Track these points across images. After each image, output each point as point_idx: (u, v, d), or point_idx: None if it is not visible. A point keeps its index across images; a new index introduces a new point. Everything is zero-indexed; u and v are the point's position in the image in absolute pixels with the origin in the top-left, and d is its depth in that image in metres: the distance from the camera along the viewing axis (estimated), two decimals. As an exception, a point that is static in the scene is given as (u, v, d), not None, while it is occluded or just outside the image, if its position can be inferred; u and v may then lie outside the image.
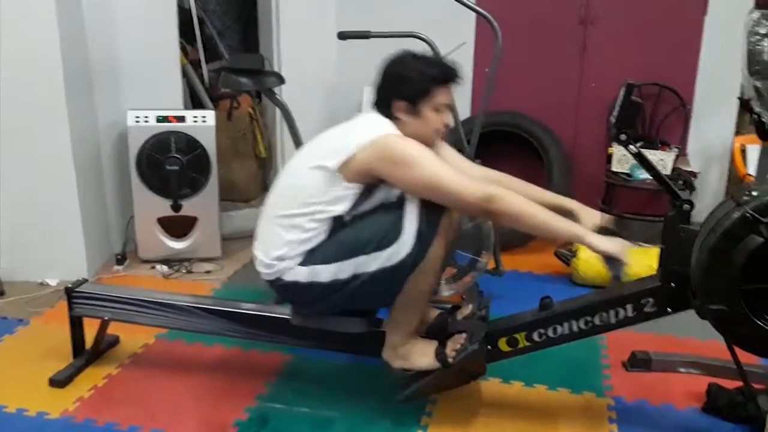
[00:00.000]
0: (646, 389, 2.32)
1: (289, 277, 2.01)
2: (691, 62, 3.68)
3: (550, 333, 2.01)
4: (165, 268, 3.38)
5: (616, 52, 3.75)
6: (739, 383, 2.16)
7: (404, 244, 1.90)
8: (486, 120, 3.03)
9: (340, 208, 1.96)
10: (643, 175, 3.40)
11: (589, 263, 3.18)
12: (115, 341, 2.60)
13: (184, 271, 3.38)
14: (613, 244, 1.89)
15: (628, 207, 3.70)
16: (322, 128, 4.14)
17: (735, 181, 3.74)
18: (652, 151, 3.45)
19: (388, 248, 1.91)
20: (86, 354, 2.45)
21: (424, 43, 2.75)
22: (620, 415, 2.18)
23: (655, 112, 3.74)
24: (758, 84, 2.88)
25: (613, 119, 1.93)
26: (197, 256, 3.47)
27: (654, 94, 3.71)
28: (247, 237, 3.78)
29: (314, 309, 2.11)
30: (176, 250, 3.44)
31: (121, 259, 3.40)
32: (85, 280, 2.47)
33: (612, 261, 1.88)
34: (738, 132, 3.72)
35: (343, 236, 1.97)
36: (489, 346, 2.04)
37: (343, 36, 2.78)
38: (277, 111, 3.91)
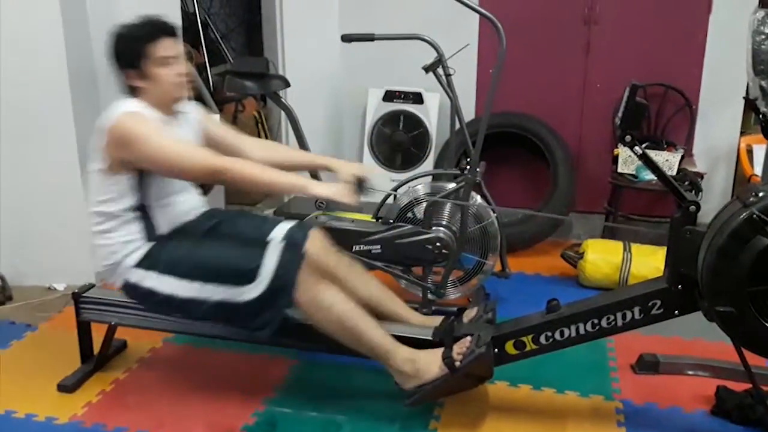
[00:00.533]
0: (655, 392, 2.32)
1: (132, 280, 2.11)
2: (696, 62, 3.67)
3: (557, 336, 2.00)
4: (171, 272, 3.38)
5: (620, 52, 3.74)
6: (747, 385, 2.16)
7: (256, 288, 1.99)
8: (491, 122, 3.02)
9: (127, 202, 2.06)
10: (649, 176, 3.39)
11: (596, 265, 3.18)
12: (123, 346, 2.61)
13: (190, 274, 3.38)
14: (333, 189, 2.01)
15: (635, 208, 3.70)
16: (327, 131, 4.19)
17: (741, 181, 3.73)
18: (657, 152, 3.44)
19: (240, 286, 2.00)
20: (94, 359, 2.46)
21: (429, 45, 2.74)
22: (629, 418, 2.17)
23: (661, 112, 3.73)
24: (763, 83, 2.87)
25: (617, 120, 1.93)
26: (203, 259, 3.47)
27: (659, 95, 3.70)
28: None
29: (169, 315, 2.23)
30: (182, 254, 3.44)
31: (127, 264, 3.40)
32: (92, 285, 2.47)
33: (334, 203, 2.04)
34: (744, 132, 3.70)
35: (199, 252, 2.06)
36: (496, 350, 2.04)
37: (346, 39, 2.78)
38: (282, 114, 3.93)
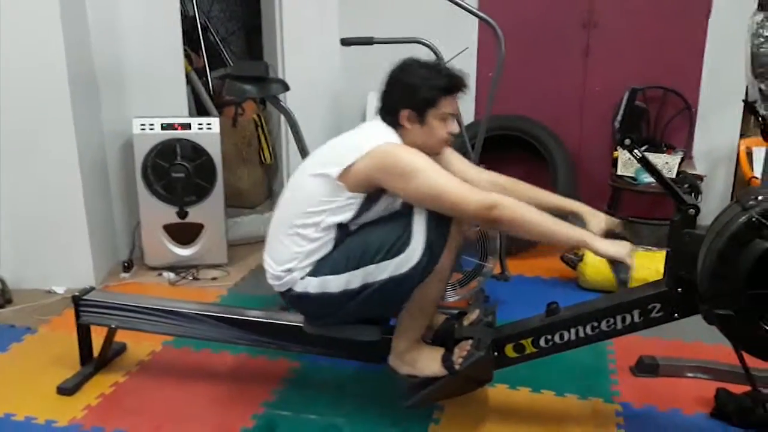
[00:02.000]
0: (654, 395, 2.32)
1: (299, 288, 2.01)
2: (696, 65, 3.68)
3: (557, 339, 2.00)
4: (171, 275, 3.39)
5: (619, 55, 3.75)
6: (747, 388, 2.16)
7: (413, 253, 1.90)
8: (490, 124, 3.03)
9: (343, 217, 1.96)
10: (649, 178, 3.39)
11: (595, 268, 3.18)
12: (122, 349, 2.61)
13: (190, 278, 3.39)
14: (618, 248, 1.87)
15: (634, 210, 3.70)
16: (327, 134, 4.17)
17: (741, 183, 3.73)
18: (657, 155, 3.45)
19: (397, 257, 1.91)
20: (94, 362, 2.46)
21: (428, 49, 2.75)
22: (628, 421, 2.17)
23: (660, 115, 3.73)
24: (762, 86, 2.88)
25: (617, 124, 1.93)
26: (204, 262, 3.48)
27: (659, 98, 3.70)
28: (252, 243, 3.83)
29: (326, 319, 2.11)
30: (183, 257, 3.45)
31: (127, 267, 3.41)
32: (92, 288, 2.47)
33: (618, 265, 1.88)
34: (743, 134, 3.71)
35: (351, 245, 1.98)
36: (496, 353, 2.04)
37: (346, 42, 2.79)
38: (282, 117, 3.93)
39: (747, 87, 2.94)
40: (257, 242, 3.87)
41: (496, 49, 2.66)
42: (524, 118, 3.76)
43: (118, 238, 3.51)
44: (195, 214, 3.43)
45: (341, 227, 1.98)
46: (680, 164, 3.42)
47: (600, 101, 3.82)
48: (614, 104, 3.78)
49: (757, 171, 3.51)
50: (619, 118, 1.96)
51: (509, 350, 2.05)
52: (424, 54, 2.75)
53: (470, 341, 2.01)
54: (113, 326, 2.40)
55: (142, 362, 2.55)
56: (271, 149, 4.21)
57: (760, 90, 2.89)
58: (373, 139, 1.94)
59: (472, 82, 3.88)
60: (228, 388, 2.37)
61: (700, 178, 3.47)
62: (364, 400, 2.28)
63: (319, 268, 1.99)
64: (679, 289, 1.89)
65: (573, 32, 3.77)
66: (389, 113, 2.00)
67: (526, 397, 2.31)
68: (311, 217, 1.97)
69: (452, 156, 2.19)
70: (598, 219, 2.07)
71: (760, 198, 1.66)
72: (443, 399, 2.13)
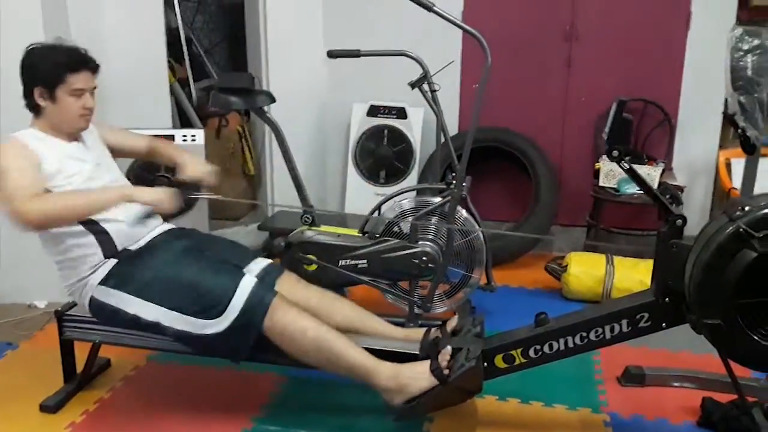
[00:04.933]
0: (641, 404, 2.33)
1: (98, 297, 2.14)
2: (675, 77, 3.73)
3: (546, 349, 2.01)
4: (154, 288, 3.34)
5: (601, 68, 3.79)
6: (733, 397, 2.18)
7: (222, 323, 2.01)
8: (474, 136, 3.05)
9: None
10: (631, 189, 3.43)
11: (579, 278, 3.20)
12: (107, 364, 2.57)
13: (173, 291, 3.35)
14: (154, 193, 2.05)
15: (616, 221, 3.73)
16: (312, 146, 4.18)
17: (720, 194, 3.79)
18: (639, 166, 3.47)
19: (206, 319, 2.02)
20: (77, 378, 2.42)
21: (413, 61, 2.76)
22: (617, 430, 2.18)
23: (641, 126, 3.78)
24: (742, 99, 2.93)
25: (604, 135, 1.95)
26: (187, 275, 3.44)
27: (639, 109, 3.75)
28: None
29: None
30: (166, 270, 3.41)
31: (109, 280, 3.36)
32: (74, 304, 2.43)
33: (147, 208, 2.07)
34: (722, 146, 3.76)
35: (169, 275, 2.07)
36: (485, 363, 2.04)
37: (333, 55, 2.79)
38: (266, 129, 3.93)
39: (726, 100, 3.00)
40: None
41: (481, 62, 2.68)
42: (507, 130, 3.78)
43: (100, 251, 3.46)
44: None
45: (86, 222, 2.09)
46: (661, 175, 3.46)
47: (582, 113, 3.86)
48: (596, 117, 3.82)
49: (736, 182, 3.55)
50: (606, 129, 1.98)
51: (499, 361, 2.05)
52: (409, 66, 2.78)
53: (449, 347, 2.01)
54: (97, 341, 2.36)
55: (127, 377, 2.52)
56: (255, 160, 4.20)
57: (740, 102, 2.95)
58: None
59: (455, 93, 3.92)
60: (215, 403, 2.34)
61: (681, 189, 3.51)
62: (354, 414, 2.27)
63: (122, 281, 2.10)
64: (667, 299, 1.90)
65: (555, 45, 3.81)
66: (28, 96, 2.12)
67: (514, 408, 2.32)
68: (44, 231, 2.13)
69: (104, 128, 2.41)
70: (191, 168, 2.31)
71: (747, 208, 1.68)
72: (432, 411, 2.12)
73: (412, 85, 2.73)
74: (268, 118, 2.89)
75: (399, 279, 2.79)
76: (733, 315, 1.71)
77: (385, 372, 2.02)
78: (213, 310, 2.01)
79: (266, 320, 2.00)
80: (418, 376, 2.01)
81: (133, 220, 2.10)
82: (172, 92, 3.76)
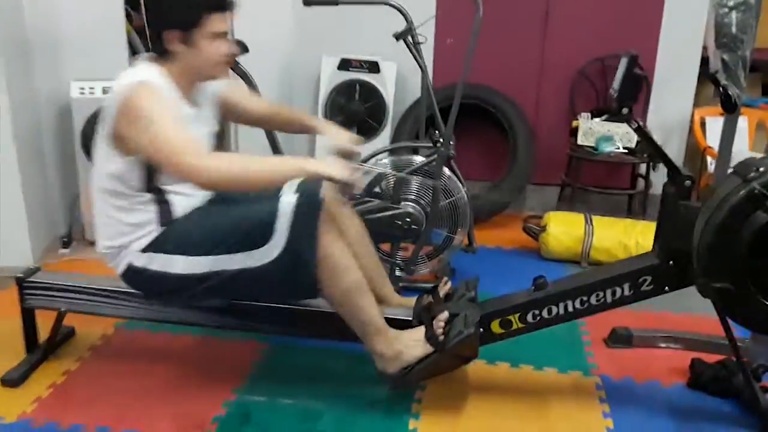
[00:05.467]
0: (631, 366, 2.31)
1: (137, 263, 1.91)
2: (653, 33, 3.67)
3: (545, 314, 1.95)
4: (116, 250, 3.16)
5: (578, 23, 3.70)
6: (719, 357, 2.18)
7: (272, 249, 1.81)
8: (448, 93, 2.94)
9: (136, 183, 1.84)
10: (609, 148, 3.39)
11: (558, 238, 3.16)
12: (71, 333, 2.42)
13: (137, 253, 3.17)
14: (333, 165, 1.79)
15: (590, 180, 3.70)
16: (277, 100, 3.98)
17: (693, 153, 3.79)
18: (617, 124, 3.44)
19: (254, 249, 1.82)
20: (41, 348, 2.26)
21: (389, 13, 2.61)
22: (609, 393, 2.15)
23: (617, 84, 3.72)
24: (725, 56, 2.88)
25: (613, 92, 1.86)
26: (151, 236, 3.26)
27: (615, 66, 3.67)
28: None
29: (168, 297, 2.03)
30: (127, 232, 3.23)
31: (67, 242, 3.17)
32: (37, 269, 2.26)
33: (342, 185, 1.82)
34: (696, 104, 3.75)
35: (205, 225, 1.88)
36: (481, 329, 1.97)
37: (308, 2, 2.62)
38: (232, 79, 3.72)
39: (709, 57, 2.95)
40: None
41: (455, 16, 2.57)
42: (483, 87, 3.68)
43: (56, 212, 3.25)
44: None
45: (156, 191, 1.87)
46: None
47: (558, 70, 3.78)
48: (573, 72, 3.75)
49: (710, 141, 3.56)
50: (616, 85, 1.88)
51: (495, 326, 1.98)
52: (382, 18, 2.60)
53: (445, 313, 1.93)
54: (63, 310, 2.20)
55: (95, 347, 2.36)
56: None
57: (723, 60, 2.90)
58: (123, 83, 1.76)
59: (429, 48, 3.77)
60: (193, 373, 2.22)
61: (657, 147, 3.48)
62: (341, 382, 2.18)
63: (163, 243, 1.89)
64: (671, 262, 1.86)
65: (532, -2, 3.70)
66: (156, 39, 1.82)
67: (506, 372, 2.26)
68: (112, 185, 1.86)
69: (230, 86, 2.11)
70: (335, 136, 2.08)
71: (761, 169, 1.62)
72: (428, 378, 2.05)
73: (397, 36, 2.58)
74: (241, 70, 2.72)
75: (381, 241, 2.69)
76: (744, 278, 1.67)
77: (388, 336, 1.93)
78: (261, 238, 1.80)
79: (318, 235, 1.81)
80: (412, 344, 1.93)
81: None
82: (129, 43, 3.50)
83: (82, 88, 3.05)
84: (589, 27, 3.70)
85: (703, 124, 3.63)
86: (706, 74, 3.46)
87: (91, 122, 3.04)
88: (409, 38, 2.59)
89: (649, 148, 1.90)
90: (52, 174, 3.20)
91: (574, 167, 3.59)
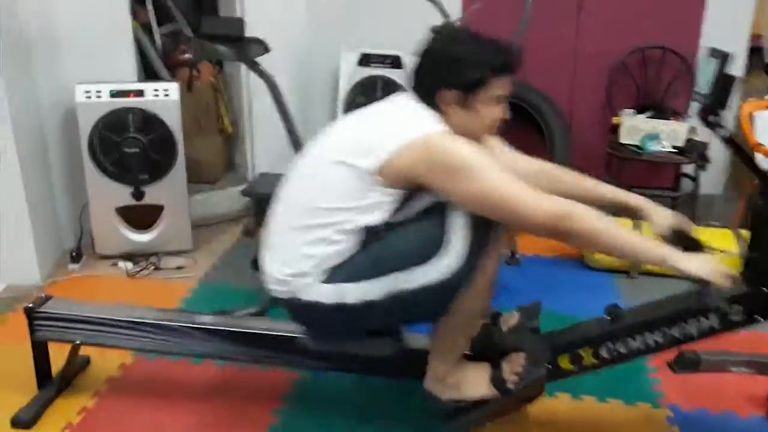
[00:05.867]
0: (702, 395, 2.11)
1: (308, 297, 1.65)
2: (695, 20, 3.43)
3: (621, 348, 1.73)
4: (129, 264, 2.96)
5: (614, 13, 3.46)
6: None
7: (451, 259, 1.58)
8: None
9: (374, 218, 1.60)
10: (655, 147, 3.17)
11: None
12: (86, 363, 2.21)
13: (151, 267, 2.97)
14: (706, 264, 1.52)
15: (630, 179, 3.47)
16: (296, 98, 3.73)
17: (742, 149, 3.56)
18: (664, 122, 3.22)
19: (431, 263, 1.58)
20: (55, 383, 2.06)
21: (421, 4, 2.38)
22: (684, 428, 1.95)
23: (660, 77, 3.49)
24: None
25: (699, 96, 1.63)
26: (165, 249, 3.06)
27: (658, 59, 3.45)
28: (215, 224, 3.42)
29: (336, 332, 1.78)
30: (140, 244, 3.03)
31: (76, 257, 2.95)
32: (48, 298, 2.04)
33: (705, 287, 1.51)
34: (743, 98, 3.51)
35: (375, 248, 1.63)
36: (548, 365, 1.76)
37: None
38: (245, 81, 3.50)
39: (765, 46, 2.73)
40: (221, 222, 3.48)
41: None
42: (517, 82, 3.44)
43: (63, 224, 3.04)
44: (153, 195, 3.00)
45: (369, 229, 1.61)
46: (688, 131, 3.20)
47: (594, 63, 3.56)
48: (609, 66, 3.52)
49: (760, 137, 3.33)
50: (702, 87, 1.65)
51: (564, 361, 1.77)
52: (402, 9, 2.35)
53: (522, 355, 1.72)
54: (78, 342, 2.00)
55: (112, 379, 2.16)
56: (232, 117, 3.77)
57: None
58: (418, 126, 1.57)
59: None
60: (219, 407, 2.01)
61: (705, 145, 3.26)
62: (380, 418, 1.97)
63: (335, 274, 1.64)
64: (765, 289, 1.64)
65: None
66: (427, 93, 1.62)
67: (567, 405, 2.06)
68: (332, 216, 1.61)
69: (496, 144, 1.84)
70: (663, 216, 1.75)
71: None
72: (490, 421, 1.84)
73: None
74: (262, 71, 2.49)
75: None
76: None
77: (455, 356, 1.76)
78: (434, 246, 1.59)
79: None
80: (474, 380, 1.73)
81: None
82: (136, 40, 3.27)
83: (88, 92, 2.83)
84: (627, 15, 3.45)
85: (752, 120, 3.40)
86: (759, 65, 3.24)
87: (99, 127, 2.83)
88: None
89: (742, 159, 1.67)
90: (58, 183, 2.99)
91: (616, 167, 3.36)
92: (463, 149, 1.55)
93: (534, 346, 1.74)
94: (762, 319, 1.69)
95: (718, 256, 1.59)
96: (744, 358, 2.20)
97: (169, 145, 2.96)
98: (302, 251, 1.64)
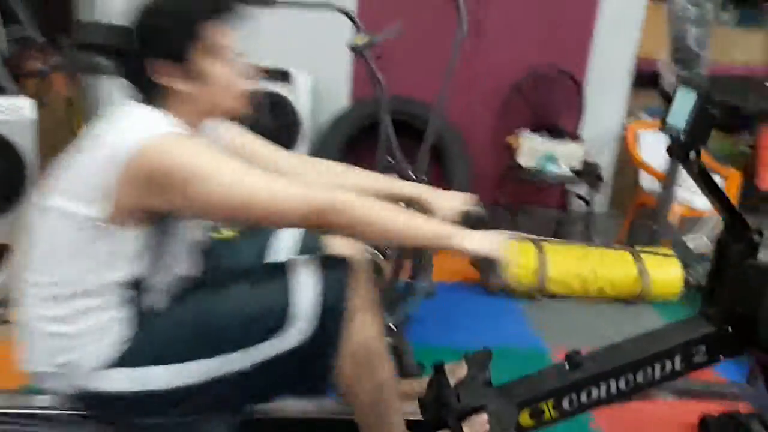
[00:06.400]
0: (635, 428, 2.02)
1: (102, 386, 1.31)
2: (584, 44, 3.46)
3: (584, 398, 1.59)
4: (-30, 318, 2.44)
5: (511, 33, 3.42)
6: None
7: (296, 326, 1.33)
8: (371, 110, 2.54)
9: (126, 270, 1.29)
10: (553, 168, 3.13)
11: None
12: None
13: (-1, 321, 2.47)
14: (490, 242, 1.40)
15: (519, 199, 3.44)
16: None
17: (624, 168, 3.65)
18: (560, 142, 3.19)
19: (269, 339, 1.32)
20: None
21: (345, 17, 2.17)
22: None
23: (552, 98, 3.48)
24: (682, 73, 2.71)
25: (679, 133, 1.52)
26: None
27: (550, 79, 3.44)
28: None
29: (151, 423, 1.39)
30: (-16, 292, 2.52)
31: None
32: None
33: (491, 263, 1.45)
34: (628, 117, 3.61)
35: (188, 319, 1.34)
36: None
37: (241, 2, 2.09)
38: (103, 96, 3.09)
39: (661, 73, 2.78)
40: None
41: (378, 22, 2.23)
42: (414, 101, 3.29)
43: None
44: (-1, 232, 2.52)
45: (132, 284, 1.31)
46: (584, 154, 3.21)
47: (490, 83, 3.48)
48: (506, 85, 3.46)
49: (644, 155, 3.42)
50: (680, 124, 1.53)
51: (524, 418, 1.59)
52: (292, 22, 2.14)
53: (484, 416, 1.52)
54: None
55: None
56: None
57: (679, 77, 2.74)
58: (127, 140, 1.23)
59: (345, 56, 3.32)
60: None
61: (598, 166, 3.29)
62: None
63: (133, 355, 1.31)
64: (730, 328, 1.57)
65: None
66: (138, 77, 1.31)
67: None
68: (71, 279, 1.28)
69: (247, 137, 1.60)
70: (446, 201, 1.61)
71: None
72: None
73: (354, 48, 2.13)
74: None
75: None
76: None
77: None
78: (274, 315, 1.32)
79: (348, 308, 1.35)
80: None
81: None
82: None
83: None
84: (522, 38, 3.42)
85: (636, 139, 3.49)
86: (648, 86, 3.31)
87: None
88: (367, 52, 2.15)
89: (710, 196, 1.57)
90: None
91: (510, 186, 3.30)
92: (184, 150, 1.24)
93: (497, 404, 1.55)
94: (724, 358, 1.62)
95: (505, 234, 1.47)
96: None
97: (20, 174, 2.52)
98: (58, 331, 1.29)
